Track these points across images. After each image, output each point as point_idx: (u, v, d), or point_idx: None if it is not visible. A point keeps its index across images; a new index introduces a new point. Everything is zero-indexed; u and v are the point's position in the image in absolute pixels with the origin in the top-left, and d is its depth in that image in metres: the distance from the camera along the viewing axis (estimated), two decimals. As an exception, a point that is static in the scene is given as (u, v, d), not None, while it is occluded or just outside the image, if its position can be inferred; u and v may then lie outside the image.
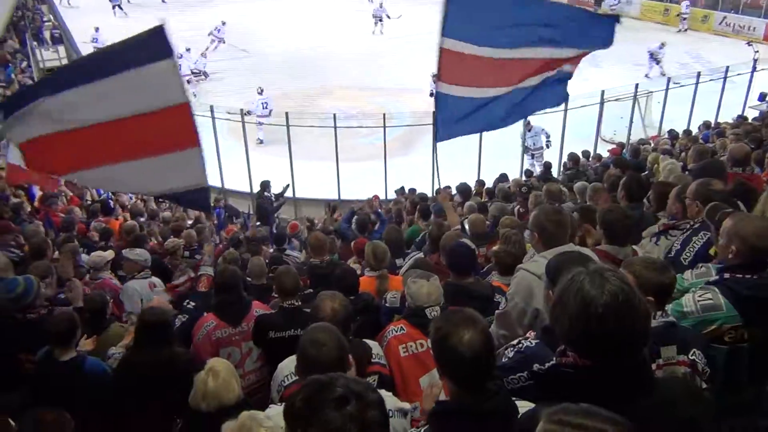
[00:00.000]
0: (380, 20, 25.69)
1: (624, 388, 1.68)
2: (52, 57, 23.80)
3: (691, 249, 3.58)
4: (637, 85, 15.02)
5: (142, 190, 4.64)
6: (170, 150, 4.55)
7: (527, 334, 2.52)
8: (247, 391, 4.06)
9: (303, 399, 1.54)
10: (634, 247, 3.82)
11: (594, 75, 16.07)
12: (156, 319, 3.63)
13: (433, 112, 5.81)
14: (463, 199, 8.68)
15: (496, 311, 3.30)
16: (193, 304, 4.47)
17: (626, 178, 5.09)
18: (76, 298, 4.61)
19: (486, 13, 5.31)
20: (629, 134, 14.88)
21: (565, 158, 12.62)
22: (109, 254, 6.01)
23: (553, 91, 5.68)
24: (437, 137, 5.93)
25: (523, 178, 11.86)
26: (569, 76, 5.60)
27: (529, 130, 13.74)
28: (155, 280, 5.55)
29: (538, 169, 13.00)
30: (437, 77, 5.59)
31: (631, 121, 15.04)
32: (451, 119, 5.72)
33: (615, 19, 5.36)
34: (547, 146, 13.88)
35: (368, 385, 1.63)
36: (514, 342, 2.49)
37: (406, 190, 12.53)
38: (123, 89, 4.34)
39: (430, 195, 11.66)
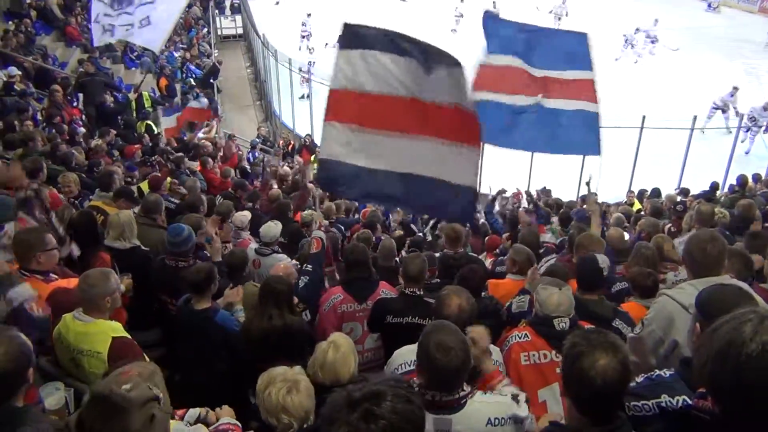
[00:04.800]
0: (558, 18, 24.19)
1: None
2: (229, 26, 25.64)
3: None
4: None
5: (420, 170, 4.65)
6: (455, 140, 4.62)
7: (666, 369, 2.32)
8: (364, 368, 4.15)
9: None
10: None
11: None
12: (276, 287, 3.71)
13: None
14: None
15: (629, 335, 3.10)
16: (310, 267, 4.56)
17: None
18: (215, 254, 4.88)
19: (522, 35, 6.54)
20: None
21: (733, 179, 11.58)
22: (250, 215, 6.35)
23: (585, 139, 6.32)
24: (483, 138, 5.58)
25: (678, 195, 11.01)
26: (595, 120, 6.28)
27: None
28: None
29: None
30: (472, 87, 5.58)
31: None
32: (494, 128, 6.08)
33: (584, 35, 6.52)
34: None
35: (398, 390, 1.55)
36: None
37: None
38: (429, 79, 4.53)
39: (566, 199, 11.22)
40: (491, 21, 6.69)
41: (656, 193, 11.10)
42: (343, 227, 7.75)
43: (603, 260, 3.77)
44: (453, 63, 4.44)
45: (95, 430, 1.74)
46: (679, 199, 9.58)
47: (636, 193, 11.64)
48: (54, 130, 9.49)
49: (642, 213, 8.94)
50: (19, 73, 11.55)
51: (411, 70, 4.51)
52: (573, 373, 1.94)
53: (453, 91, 4.49)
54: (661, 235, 5.67)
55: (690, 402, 1.88)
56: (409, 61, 4.50)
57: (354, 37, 4.55)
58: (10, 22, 14.23)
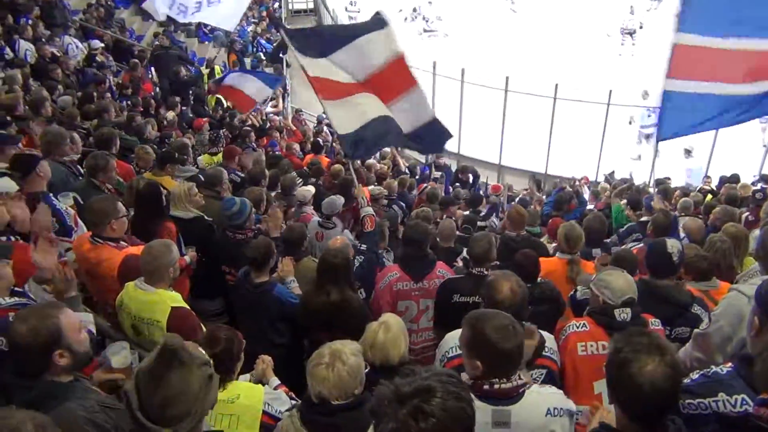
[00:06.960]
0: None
1: None
2: (300, 0, 25.68)
3: None
4: None
5: (398, 136, 5.68)
6: (398, 96, 5.56)
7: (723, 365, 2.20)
8: (422, 346, 4.21)
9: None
10: None
11: None
12: (333, 261, 3.72)
13: (659, 110, 5.49)
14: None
15: (696, 330, 2.95)
16: (364, 246, 4.60)
17: None
18: (273, 228, 4.95)
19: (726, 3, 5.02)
20: None
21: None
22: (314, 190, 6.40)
23: None
24: (660, 135, 5.52)
25: (756, 182, 10.38)
26: None
27: None
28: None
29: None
30: (667, 74, 5.21)
31: None
32: (680, 117, 5.35)
33: None
34: None
35: (448, 386, 1.46)
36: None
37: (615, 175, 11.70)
38: (358, 55, 5.45)
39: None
40: None
41: (735, 179, 10.49)
42: (404, 204, 7.72)
43: (672, 245, 3.59)
44: (374, 27, 5.40)
45: (157, 379, 1.77)
46: (760, 186, 9.01)
47: (713, 179, 11.04)
48: (129, 102, 9.82)
49: (715, 200, 8.46)
50: (102, 45, 11.98)
51: (348, 58, 5.43)
52: (619, 380, 1.85)
53: (381, 50, 5.42)
54: (733, 224, 5.33)
55: (750, 402, 1.78)
56: (344, 51, 5.43)
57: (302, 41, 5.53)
58: (92, -4, 14.74)
